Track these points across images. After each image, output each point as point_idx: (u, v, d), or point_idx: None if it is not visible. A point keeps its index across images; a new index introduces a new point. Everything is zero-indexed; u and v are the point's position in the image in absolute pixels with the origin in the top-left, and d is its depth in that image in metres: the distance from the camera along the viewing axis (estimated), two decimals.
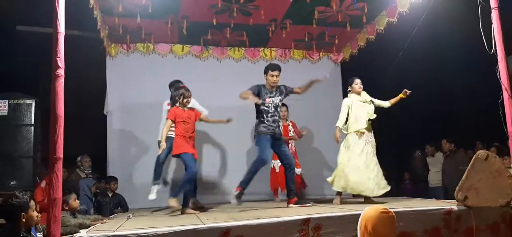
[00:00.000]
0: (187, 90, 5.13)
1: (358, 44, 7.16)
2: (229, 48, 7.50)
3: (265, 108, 5.08)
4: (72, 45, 4.07)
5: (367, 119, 5.17)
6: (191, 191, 4.97)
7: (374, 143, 5.18)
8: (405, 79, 8.23)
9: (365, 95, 5.33)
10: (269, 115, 5.07)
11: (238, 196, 4.77)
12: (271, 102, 5.09)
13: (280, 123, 5.19)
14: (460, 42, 7.26)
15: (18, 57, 6.80)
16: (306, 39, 7.24)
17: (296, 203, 4.91)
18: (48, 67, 3.36)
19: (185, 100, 5.07)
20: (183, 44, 7.29)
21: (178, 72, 6.96)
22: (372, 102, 5.31)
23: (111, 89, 7.03)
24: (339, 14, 6.27)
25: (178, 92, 5.08)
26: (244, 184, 4.86)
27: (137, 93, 6.94)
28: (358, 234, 2.56)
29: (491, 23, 4.37)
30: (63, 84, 3.35)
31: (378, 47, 6.84)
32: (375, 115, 5.23)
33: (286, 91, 5.23)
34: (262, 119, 5.07)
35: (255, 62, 7.52)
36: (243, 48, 7.55)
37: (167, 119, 5.06)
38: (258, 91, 5.08)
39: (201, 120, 5.31)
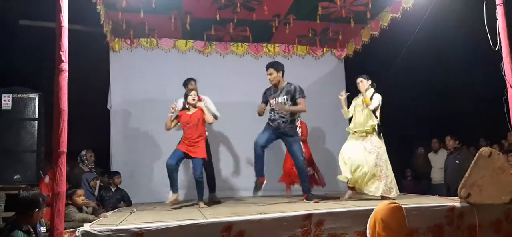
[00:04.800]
0: (190, 88, 5.24)
1: (362, 40, 7.13)
2: (232, 43, 7.49)
3: (271, 107, 5.11)
4: (76, 40, 4.07)
5: (360, 124, 5.11)
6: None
7: (376, 145, 5.00)
8: (408, 75, 8.26)
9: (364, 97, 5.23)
10: (275, 113, 5.06)
11: (258, 187, 4.86)
12: (274, 102, 5.06)
13: (288, 120, 5.03)
14: (465, 38, 7.22)
15: (22, 52, 6.80)
16: (310, 34, 7.22)
17: (306, 200, 4.93)
18: (52, 62, 3.37)
19: (188, 99, 5.15)
20: (187, 40, 7.29)
21: (181, 68, 6.99)
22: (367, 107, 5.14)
23: (114, 84, 7.05)
24: (343, 9, 6.24)
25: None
26: (259, 173, 4.93)
27: (140, 88, 6.95)
28: (368, 231, 2.60)
29: (496, 19, 4.34)
30: (66, 79, 3.36)
31: (382, 43, 6.81)
32: (372, 123, 5.04)
33: (293, 94, 5.02)
34: (269, 116, 5.13)
35: (258, 58, 7.52)
36: (246, 44, 7.53)
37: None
38: (265, 98, 5.17)
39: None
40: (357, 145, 5.08)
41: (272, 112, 5.10)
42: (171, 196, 5.00)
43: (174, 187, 5.04)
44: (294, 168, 5.53)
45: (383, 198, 4.76)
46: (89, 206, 4.97)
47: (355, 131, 5.17)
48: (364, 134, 5.09)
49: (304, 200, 4.95)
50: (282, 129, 5.02)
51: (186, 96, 5.21)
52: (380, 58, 7.66)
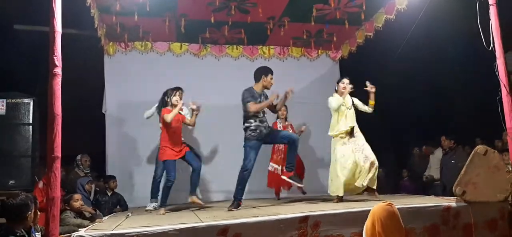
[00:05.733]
0: (173, 89, 5.26)
1: (357, 41, 7.15)
2: (227, 46, 7.49)
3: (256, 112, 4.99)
4: (70, 44, 4.07)
5: (349, 125, 5.10)
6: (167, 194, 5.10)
7: (358, 141, 5.06)
8: (403, 76, 8.30)
9: (347, 99, 5.22)
10: (258, 119, 4.91)
11: (236, 207, 4.71)
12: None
13: (266, 124, 5.00)
14: (459, 38, 7.27)
15: (16, 56, 6.78)
16: (305, 36, 7.23)
17: (290, 178, 4.92)
18: (46, 66, 3.36)
19: (172, 99, 5.16)
20: (181, 42, 7.28)
21: (176, 70, 7.00)
22: (353, 107, 5.20)
23: (109, 88, 7.02)
24: (337, 11, 6.26)
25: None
26: (239, 196, 4.83)
27: (135, 92, 6.92)
28: (365, 232, 2.62)
29: (489, 19, 4.36)
30: (60, 83, 3.35)
31: (376, 44, 6.84)
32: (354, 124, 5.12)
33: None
34: (250, 123, 4.88)
35: (253, 60, 7.52)
36: (241, 46, 7.54)
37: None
38: (254, 97, 4.94)
39: (184, 123, 5.37)
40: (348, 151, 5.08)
41: (255, 120, 4.90)
42: (162, 210, 4.96)
43: (166, 202, 5.09)
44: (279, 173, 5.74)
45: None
46: (86, 212, 4.95)
47: (346, 134, 5.11)
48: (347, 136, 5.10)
49: (283, 177, 5.05)
50: (264, 134, 4.92)
51: (170, 96, 5.22)
52: (375, 59, 7.70)
